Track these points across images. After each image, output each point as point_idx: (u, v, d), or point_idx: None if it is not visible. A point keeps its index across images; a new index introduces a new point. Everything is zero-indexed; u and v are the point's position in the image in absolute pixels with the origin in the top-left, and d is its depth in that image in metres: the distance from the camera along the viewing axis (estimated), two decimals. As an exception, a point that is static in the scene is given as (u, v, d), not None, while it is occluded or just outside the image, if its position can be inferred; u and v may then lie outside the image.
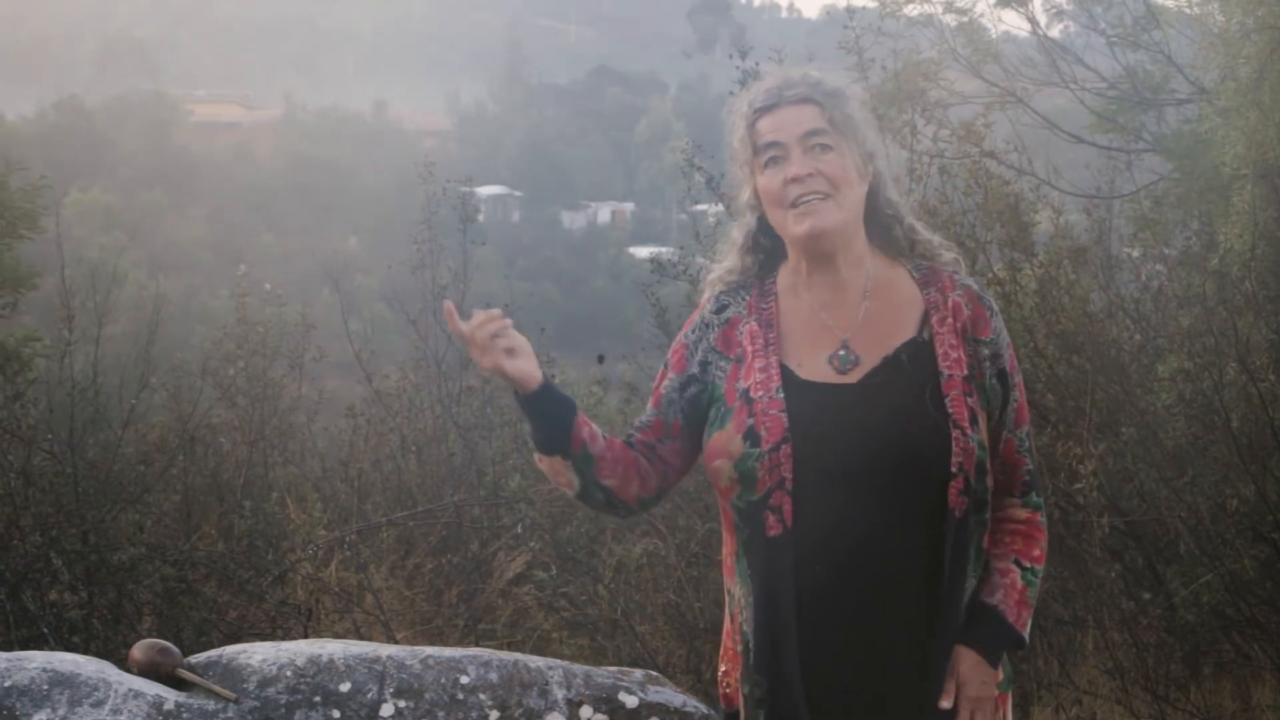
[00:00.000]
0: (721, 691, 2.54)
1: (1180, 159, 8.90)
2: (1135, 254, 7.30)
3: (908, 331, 2.46)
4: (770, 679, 2.37)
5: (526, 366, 2.37)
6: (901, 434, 2.36)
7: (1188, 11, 9.74)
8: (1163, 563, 5.61)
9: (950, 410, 2.37)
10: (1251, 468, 5.22)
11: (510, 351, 2.36)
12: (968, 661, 2.40)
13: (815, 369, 2.44)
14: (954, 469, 2.34)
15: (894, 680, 2.38)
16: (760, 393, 2.41)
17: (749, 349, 2.47)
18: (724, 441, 2.42)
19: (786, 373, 2.44)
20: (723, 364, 2.49)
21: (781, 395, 2.40)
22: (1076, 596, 5.39)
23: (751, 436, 2.38)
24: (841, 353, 2.45)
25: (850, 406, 2.39)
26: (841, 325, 2.47)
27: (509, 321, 2.37)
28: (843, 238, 2.47)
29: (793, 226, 2.44)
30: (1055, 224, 6.33)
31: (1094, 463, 5.01)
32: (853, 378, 2.43)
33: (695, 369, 2.51)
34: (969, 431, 2.37)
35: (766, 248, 2.57)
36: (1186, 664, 5.42)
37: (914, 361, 2.43)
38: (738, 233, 2.61)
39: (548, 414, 2.41)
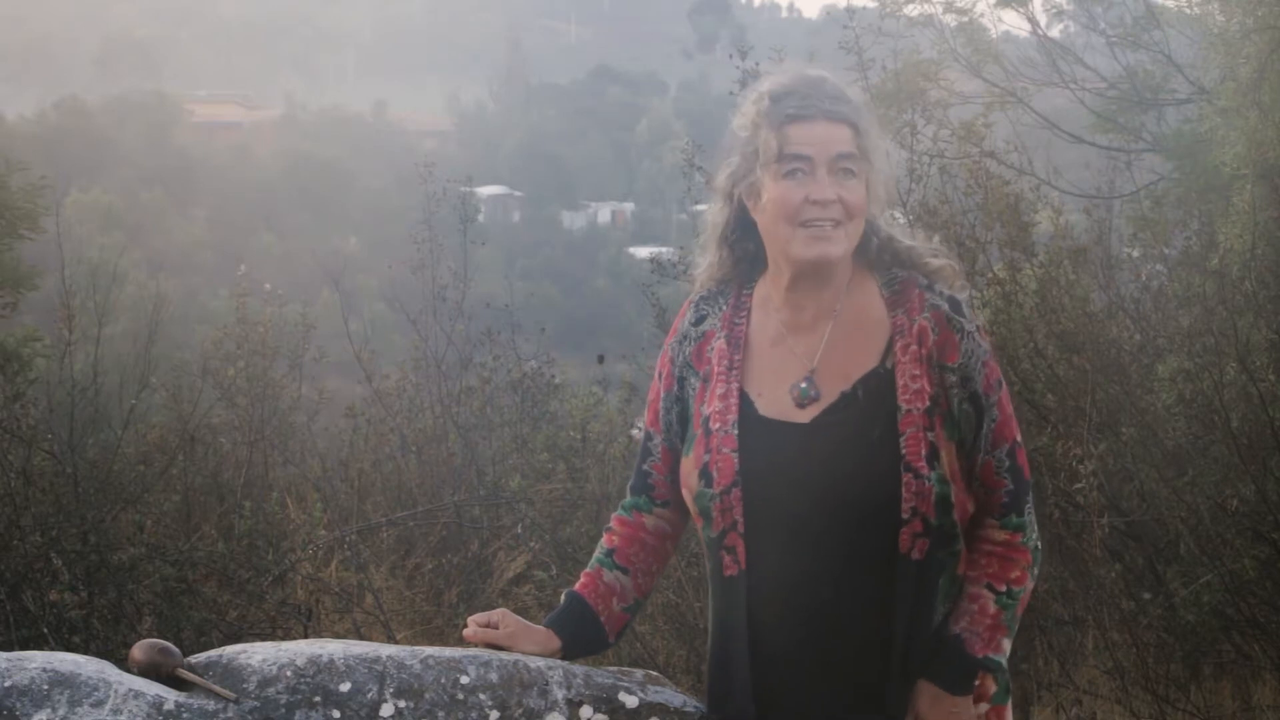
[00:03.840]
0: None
1: (1180, 159, 8.91)
2: (1135, 254, 7.31)
3: (871, 360, 2.38)
4: (723, 715, 2.39)
5: (533, 646, 2.44)
6: (848, 479, 2.31)
7: (1188, 11, 9.76)
8: (1163, 563, 5.61)
9: (904, 450, 2.31)
10: (1251, 468, 5.22)
11: (510, 637, 2.44)
12: (926, 695, 2.36)
13: (774, 400, 2.39)
14: (906, 514, 2.29)
15: None
16: (717, 425, 2.39)
17: (715, 369, 2.44)
18: (686, 472, 2.43)
19: (745, 402, 2.40)
20: (693, 380, 2.46)
21: (736, 431, 2.37)
22: (1076, 596, 5.39)
23: (705, 475, 2.37)
24: (803, 385, 2.39)
25: (800, 448, 2.35)
26: (807, 350, 2.41)
27: (495, 618, 2.46)
28: (836, 270, 2.41)
29: (799, 248, 2.36)
30: (1055, 224, 6.33)
31: (1094, 463, 5.01)
32: (807, 416, 2.37)
33: (676, 386, 2.49)
34: (925, 471, 2.30)
35: (748, 248, 2.49)
36: (1186, 664, 5.41)
37: (870, 396, 2.36)
38: (713, 221, 2.52)
39: (585, 641, 2.49)
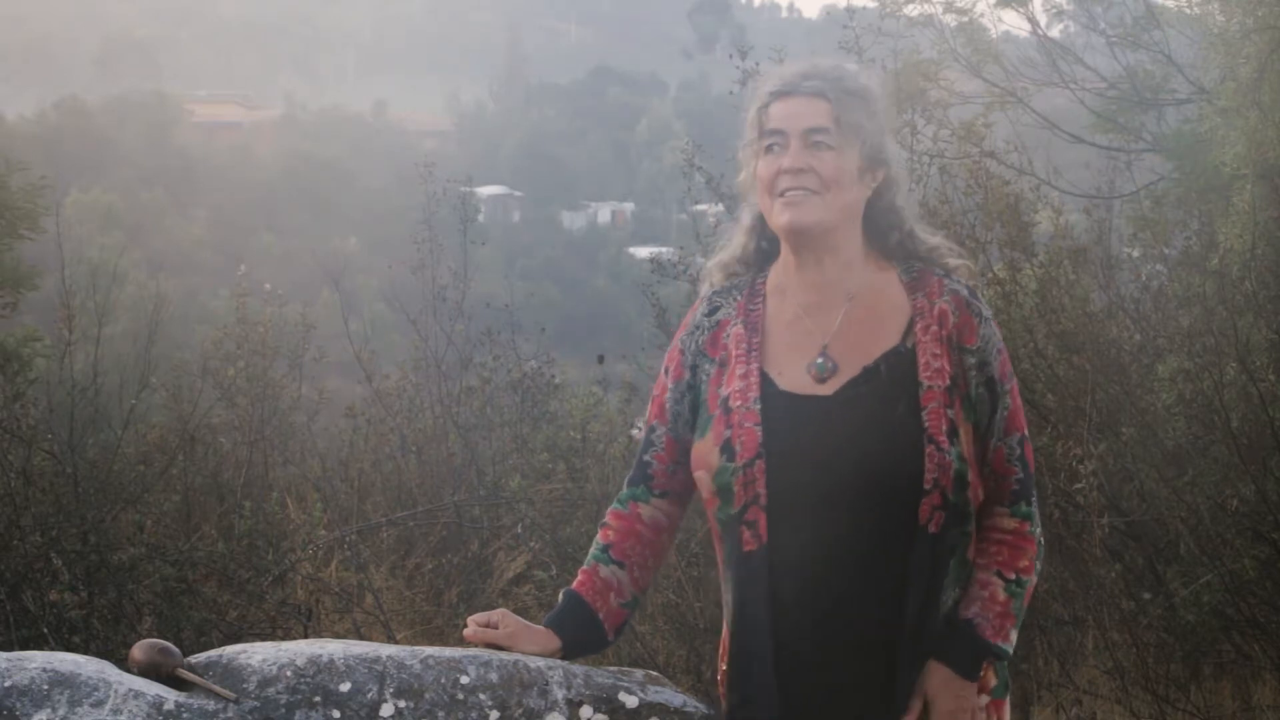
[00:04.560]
0: (721, 691, 2.55)
1: (1180, 159, 8.91)
2: (1135, 254, 7.30)
3: (891, 339, 2.43)
4: (743, 694, 2.39)
5: (533, 647, 2.44)
6: (873, 451, 2.34)
7: (1188, 11, 9.75)
8: (1163, 563, 5.61)
9: (926, 424, 2.35)
10: (1251, 468, 5.22)
11: (510, 637, 2.43)
12: (937, 677, 2.38)
13: (794, 377, 2.42)
14: (928, 485, 2.32)
15: (866, 697, 2.37)
16: (738, 403, 2.40)
17: (733, 353, 2.46)
18: (703, 453, 2.42)
19: (766, 381, 2.42)
20: (708, 367, 2.48)
21: (758, 407, 2.39)
22: (1076, 596, 5.39)
23: (728, 450, 2.38)
24: (819, 360, 2.42)
25: (825, 420, 2.37)
26: (822, 329, 2.45)
27: (495, 618, 2.45)
28: (826, 237, 2.45)
29: (776, 216, 2.43)
30: (1055, 224, 6.33)
31: (1094, 463, 5.01)
32: (829, 389, 2.40)
33: (689, 375, 2.50)
34: (945, 445, 2.34)
35: (769, 236, 2.55)
36: (1186, 664, 5.42)
37: (893, 372, 2.40)
38: (746, 215, 2.60)
39: (584, 640, 2.49)
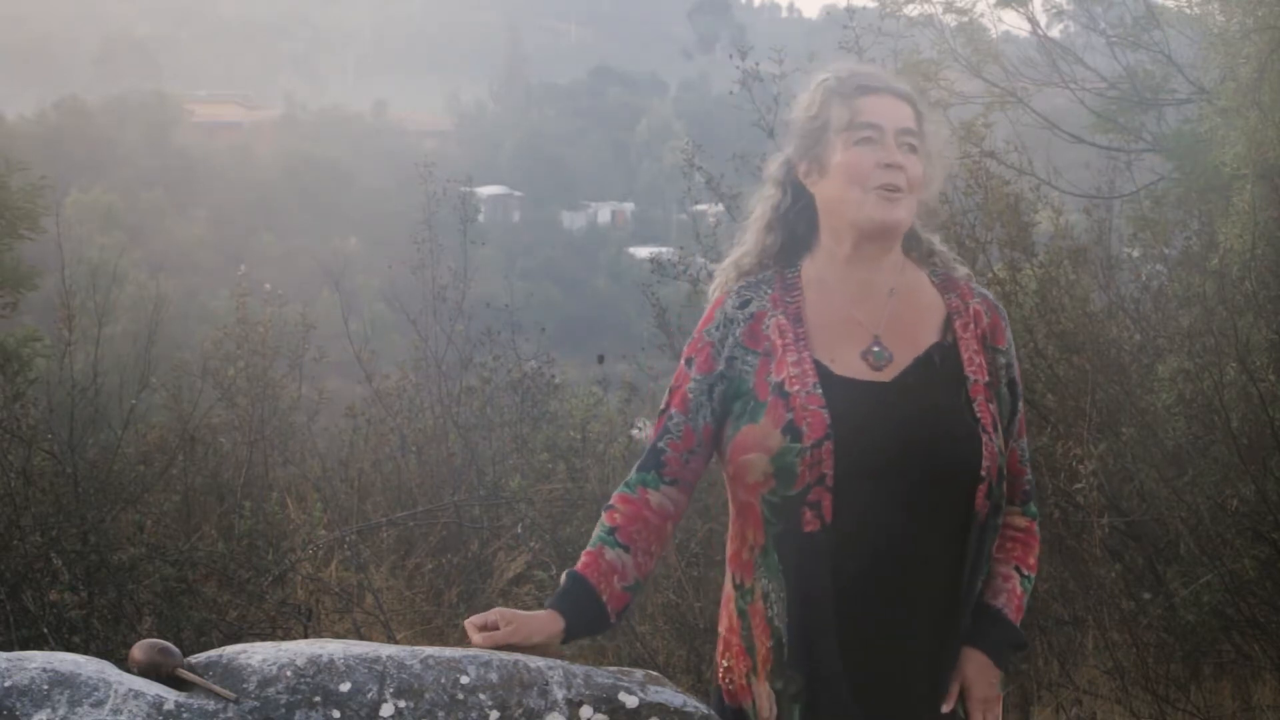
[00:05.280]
0: (725, 687, 2.55)
1: (1180, 159, 8.91)
2: (1135, 254, 7.30)
3: (933, 335, 2.48)
4: (807, 674, 2.39)
5: (538, 636, 2.41)
6: (939, 435, 2.38)
7: (1188, 11, 9.75)
8: (1163, 563, 5.61)
9: (978, 414, 2.41)
10: (1251, 468, 5.22)
11: (514, 631, 2.40)
12: (975, 663, 2.43)
13: (849, 364, 2.45)
14: (983, 473, 2.38)
15: (918, 679, 2.41)
16: (797, 387, 2.41)
17: (778, 343, 2.46)
18: (759, 436, 2.41)
19: (821, 368, 2.43)
20: (749, 359, 2.47)
21: (820, 390, 2.40)
22: (1076, 596, 5.39)
23: (792, 431, 2.38)
24: (876, 349, 2.46)
25: (888, 404, 2.41)
26: (870, 320, 2.48)
27: (493, 618, 2.42)
28: (897, 238, 2.52)
29: (872, 209, 2.45)
30: (1055, 224, 6.33)
31: (1094, 463, 5.00)
32: (887, 375, 2.44)
33: (722, 366, 2.49)
34: (994, 436, 2.41)
35: (797, 231, 2.57)
36: (1186, 664, 5.41)
37: (944, 364, 2.46)
38: (761, 207, 2.60)
39: (587, 621, 2.47)
